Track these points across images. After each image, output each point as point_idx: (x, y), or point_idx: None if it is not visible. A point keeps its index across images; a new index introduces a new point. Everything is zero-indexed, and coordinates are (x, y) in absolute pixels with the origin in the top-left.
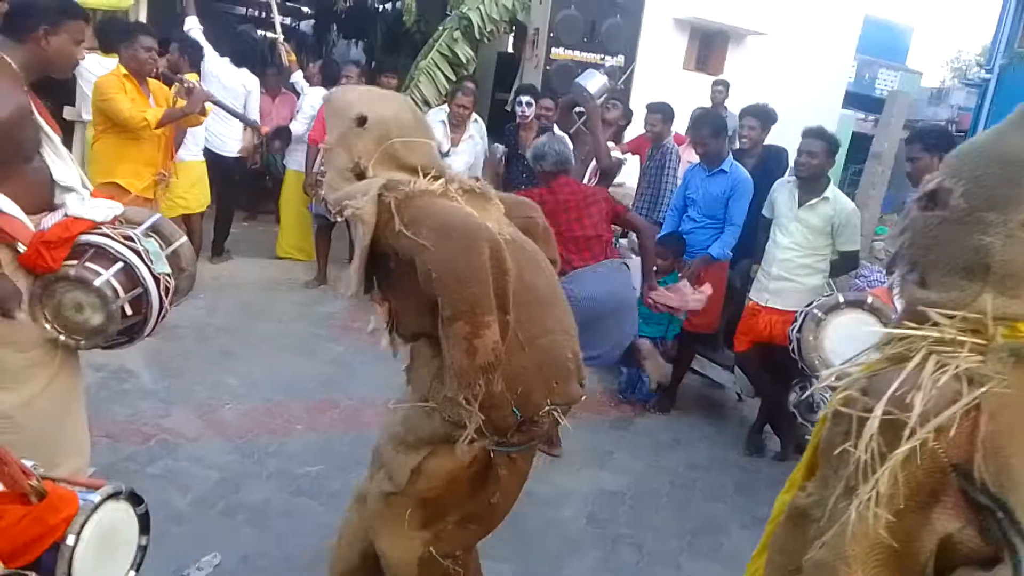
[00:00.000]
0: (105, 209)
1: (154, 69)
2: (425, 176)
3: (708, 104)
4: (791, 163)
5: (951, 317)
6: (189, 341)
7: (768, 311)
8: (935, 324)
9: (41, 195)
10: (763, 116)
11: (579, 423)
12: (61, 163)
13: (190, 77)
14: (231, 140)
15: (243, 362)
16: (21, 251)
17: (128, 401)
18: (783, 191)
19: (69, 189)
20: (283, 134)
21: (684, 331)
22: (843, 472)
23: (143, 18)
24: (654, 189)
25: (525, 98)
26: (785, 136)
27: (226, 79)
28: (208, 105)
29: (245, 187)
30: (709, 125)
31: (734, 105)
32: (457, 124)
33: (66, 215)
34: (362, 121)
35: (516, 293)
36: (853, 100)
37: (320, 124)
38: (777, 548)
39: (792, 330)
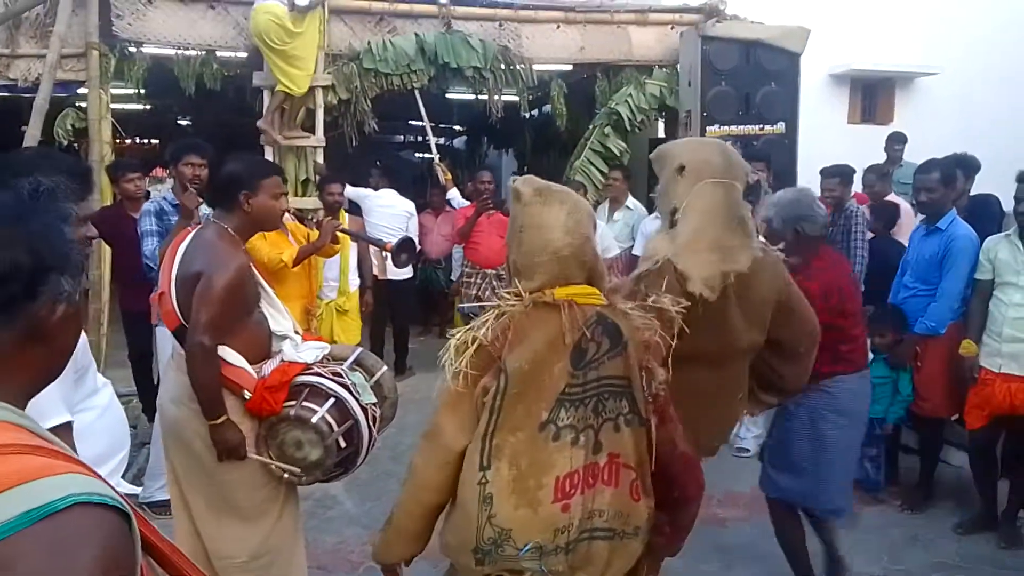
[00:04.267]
0: (316, 351)
1: (286, 211)
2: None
3: (882, 160)
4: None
5: (516, 294)
6: (384, 462)
7: (1005, 378)
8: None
9: (261, 345)
10: (962, 166)
11: None
12: (278, 314)
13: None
14: None
15: None
16: (246, 398)
17: (334, 528)
18: (1002, 247)
19: (284, 337)
20: (407, 246)
21: (918, 417)
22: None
23: (319, 159)
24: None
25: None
26: (989, 177)
27: (392, 208)
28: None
29: (417, 304)
30: (939, 169)
31: (917, 155)
32: (615, 198)
33: (282, 360)
34: (681, 169)
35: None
36: None
37: (461, 221)
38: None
39: None
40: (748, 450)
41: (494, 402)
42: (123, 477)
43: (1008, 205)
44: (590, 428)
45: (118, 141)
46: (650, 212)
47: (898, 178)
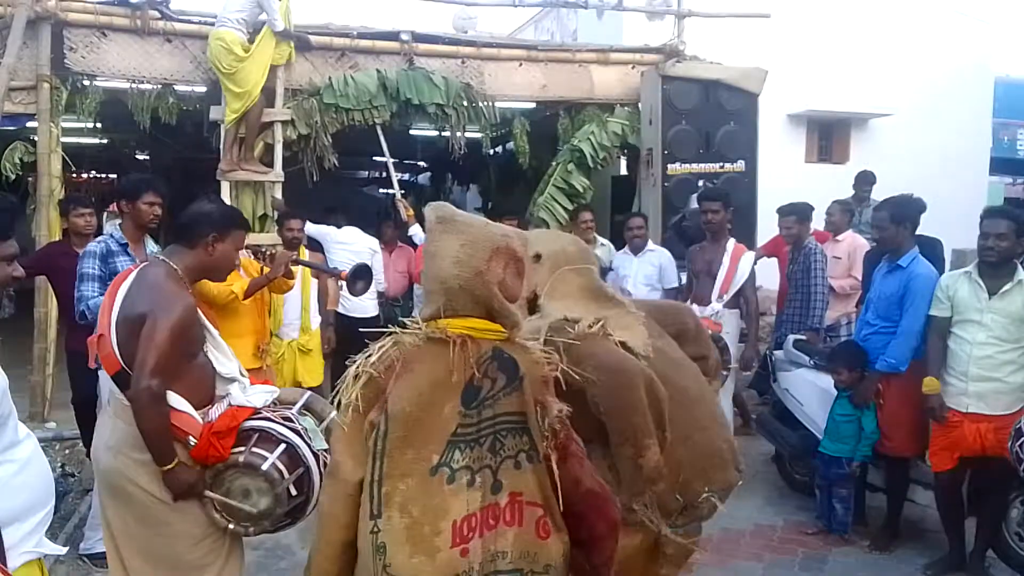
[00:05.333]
0: (264, 394)
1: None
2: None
3: (841, 196)
4: (947, 255)
5: (415, 322)
6: None
7: (974, 419)
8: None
9: (207, 389)
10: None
11: (765, 564)
12: (223, 357)
13: None
14: (369, 301)
15: None
16: (191, 444)
17: None
18: (961, 284)
19: (231, 380)
20: (362, 274)
21: (884, 456)
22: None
23: (278, 193)
24: (803, 293)
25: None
26: (935, 218)
27: (355, 245)
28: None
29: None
30: (890, 208)
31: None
32: (588, 239)
33: (229, 404)
34: (537, 257)
35: (670, 398)
36: (995, 165)
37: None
38: None
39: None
40: None
41: (376, 447)
42: (65, 525)
43: (954, 244)
44: (487, 468)
45: (74, 175)
46: (618, 248)
47: (865, 218)
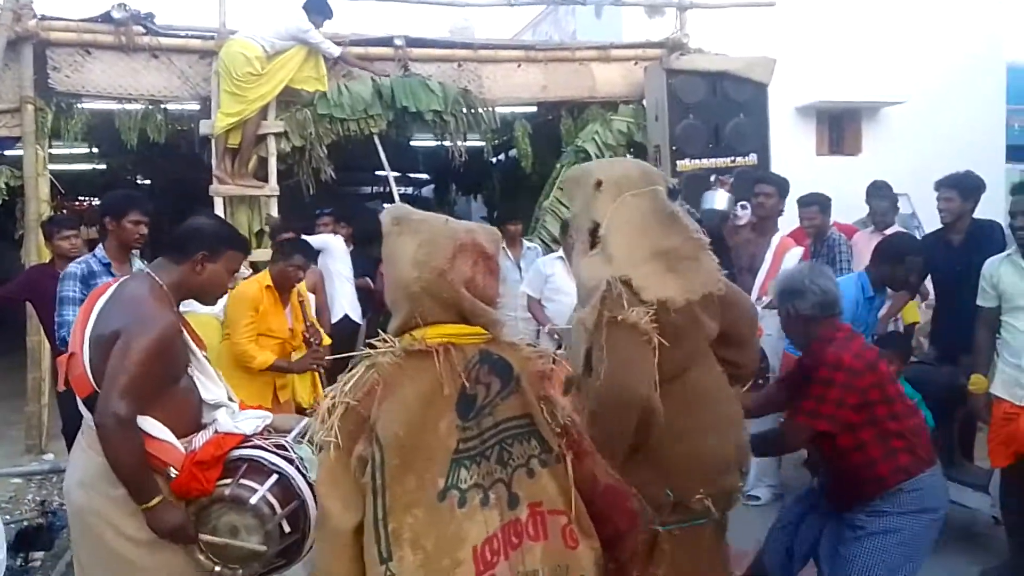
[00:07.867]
0: (255, 420)
1: (296, 283)
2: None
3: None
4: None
5: (387, 340)
6: None
7: None
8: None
9: (191, 416)
10: (959, 185)
11: None
12: (209, 381)
13: None
14: None
15: None
16: (172, 475)
17: None
18: (1005, 269)
19: (217, 406)
20: None
21: None
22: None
23: (274, 209)
24: None
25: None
26: None
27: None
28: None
29: None
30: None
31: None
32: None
33: (216, 432)
34: (599, 185)
35: (676, 392)
36: (1008, 153)
37: None
38: None
39: None
40: (759, 497)
41: (374, 481)
42: (57, 564)
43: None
44: (500, 482)
45: (77, 203)
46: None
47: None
